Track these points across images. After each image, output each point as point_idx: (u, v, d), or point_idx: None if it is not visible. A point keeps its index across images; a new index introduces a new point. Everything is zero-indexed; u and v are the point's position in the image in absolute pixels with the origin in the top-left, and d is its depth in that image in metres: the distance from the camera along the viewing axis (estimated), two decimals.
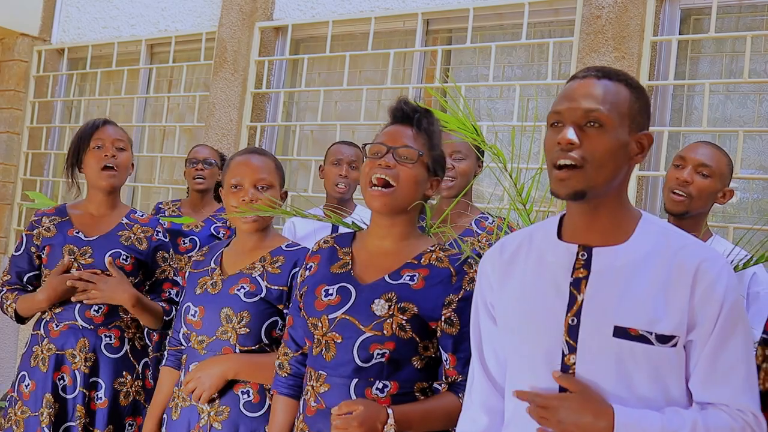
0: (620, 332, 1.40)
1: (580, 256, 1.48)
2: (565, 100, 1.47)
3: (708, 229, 2.51)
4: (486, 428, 1.62)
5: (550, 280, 1.50)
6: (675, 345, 1.39)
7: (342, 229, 3.19)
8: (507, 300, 1.57)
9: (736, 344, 1.39)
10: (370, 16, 4.24)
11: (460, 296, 1.77)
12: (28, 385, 2.54)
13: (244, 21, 4.69)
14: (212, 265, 2.23)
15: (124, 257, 2.58)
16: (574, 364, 1.44)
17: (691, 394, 1.44)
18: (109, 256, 2.56)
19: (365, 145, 1.88)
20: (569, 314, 1.46)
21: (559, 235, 1.54)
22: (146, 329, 2.72)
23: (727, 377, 1.39)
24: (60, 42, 5.81)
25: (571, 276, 1.47)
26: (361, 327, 1.76)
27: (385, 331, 1.73)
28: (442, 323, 1.76)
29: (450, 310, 1.76)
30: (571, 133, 1.42)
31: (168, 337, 2.37)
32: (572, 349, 1.44)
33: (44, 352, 2.55)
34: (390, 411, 1.62)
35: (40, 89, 5.79)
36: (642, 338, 1.39)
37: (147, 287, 2.68)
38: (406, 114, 1.86)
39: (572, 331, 1.45)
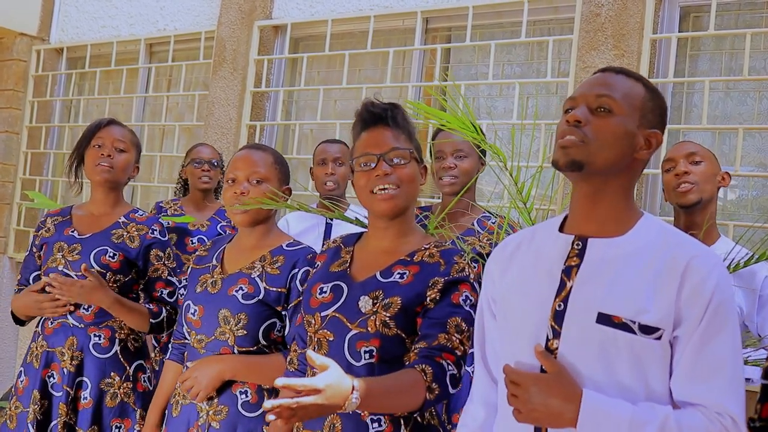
0: (603, 319, 1.41)
1: (574, 246, 1.51)
2: (581, 89, 1.53)
3: (715, 227, 2.53)
4: (483, 422, 1.66)
5: (545, 269, 1.53)
6: (659, 338, 1.39)
7: (336, 229, 3.19)
8: (504, 290, 1.60)
9: (721, 344, 1.38)
10: (369, 15, 4.24)
11: (446, 279, 1.76)
12: (23, 380, 2.56)
13: (243, 20, 4.69)
14: (214, 261, 2.23)
15: (111, 254, 2.56)
16: (557, 348, 1.45)
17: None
18: (95, 253, 2.55)
19: (351, 160, 1.87)
20: (557, 299, 1.47)
21: (562, 230, 1.57)
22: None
23: (708, 377, 1.38)
24: (59, 41, 5.80)
25: (564, 264, 1.50)
26: (348, 324, 1.77)
27: (369, 328, 1.74)
28: (428, 301, 1.75)
29: (435, 290, 1.75)
30: (580, 111, 1.47)
31: (172, 330, 2.37)
32: (556, 334, 1.46)
33: (38, 349, 2.57)
34: (355, 384, 1.48)
35: (38, 89, 5.78)
36: (625, 326, 1.39)
37: (141, 286, 2.67)
38: (378, 115, 1.86)
39: (558, 316, 1.46)
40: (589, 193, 1.50)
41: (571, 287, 1.47)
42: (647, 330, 1.39)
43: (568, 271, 1.48)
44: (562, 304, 1.46)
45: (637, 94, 1.50)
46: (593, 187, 1.49)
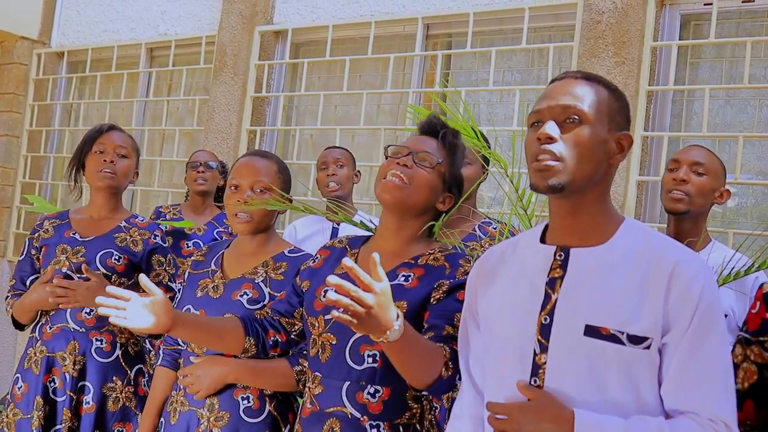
0: (591, 331, 1.38)
1: (557, 257, 1.48)
2: (545, 100, 1.48)
3: (707, 234, 2.52)
4: None
5: (528, 281, 1.50)
6: (648, 347, 1.36)
7: (342, 232, 3.19)
8: (488, 304, 1.57)
9: (710, 348, 1.36)
10: (370, 21, 4.25)
11: (451, 282, 1.76)
12: (21, 387, 2.54)
13: (244, 25, 4.69)
14: (213, 266, 2.22)
15: (116, 257, 2.56)
16: (545, 363, 1.42)
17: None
18: (101, 255, 2.55)
19: (388, 146, 1.90)
20: (542, 313, 1.44)
21: (543, 240, 1.54)
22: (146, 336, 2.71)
23: (699, 383, 1.35)
24: (59, 45, 5.81)
25: (547, 276, 1.47)
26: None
27: None
28: (432, 301, 1.75)
29: (440, 292, 1.75)
30: (550, 128, 1.43)
31: (163, 336, 2.33)
32: (543, 349, 1.43)
33: (37, 354, 2.55)
34: (400, 314, 1.50)
35: (39, 92, 5.79)
36: (613, 338, 1.36)
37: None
38: (433, 127, 1.90)
39: (544, 330, 1.43)
40: (569, 208, 1.47)
41: (556, 300, 1.44)
42: (636, 340, 1.36)
43: (552, 284, 1.46)
44: (548, 317, 1.44)
45: (602, 99, 1.46)
46: (572, 201, 1.46)
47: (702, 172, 2.42)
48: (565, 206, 1.47)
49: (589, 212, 1.47)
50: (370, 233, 2.09)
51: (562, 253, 1.47)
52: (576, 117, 1.43)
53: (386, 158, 1.89)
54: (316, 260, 1.97)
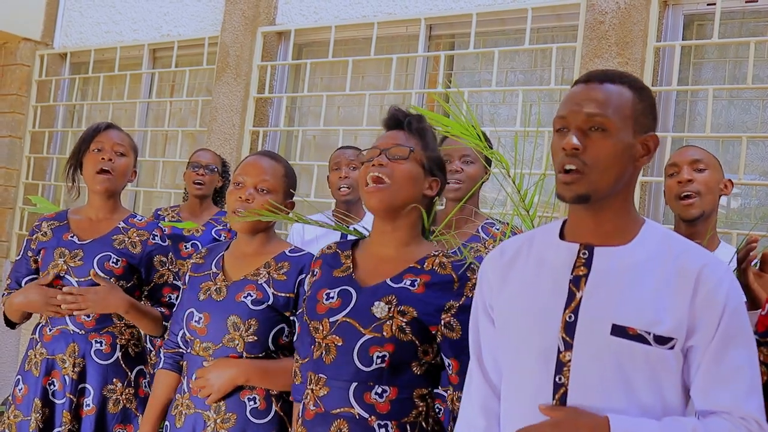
0: (618, 331, 1.39)
1: (581, 255, 1.48)
2: (569, 105, 1.48)
3: (715, 234, 2.52)
4: (484, 431, 1.62)
5: (550, 278, 1.50)
6: (673, 347, 1.38)
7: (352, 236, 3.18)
8: (506, 300, 1.57)
9: (738, 350, 1.38)
10: (373, 22, 4.24)
11: (460, 303, 1.76)
12: (21, 389, 2.53)
13: (247, 26, 4.69)
14: (213, 269, 2.21)
15: (114, 260, 2.54)
16: (570, 361, 1.43)
17: (687, 403, 1.43)
18: (99, 259, 2.53)
19: (360, 152, 1.90)
20: (567, 311, 1.45)
21: (562, 237, 1.55)
22: (148, 336, 2.70)
23: (729, 383, 1.38)
24: (62, 46, 5.81)
25: (571, 274, 1.48)
26: (361, 329, 1.76)
27: (384, 333, 1.73)
28: (442, 327, 1.75)
29: (449, 315, 1.75)
30: (574, 139, 1.44)
31: (164, 340, 2.33)
32: (568, 346, 1.44)
33: (37, 356, 2.54)
34: None
35: (42, 93, 5.79)
36: (640, 338, 1.38)
37: (146, 292, 2.65)
38: (397, 119, 1.90)
39: (569, 328, 1.44)
40: (593, 211, 1.48)
41: (581, 298, 1.45)
42: (661, 340, 1.38)
43: (577, 282, 1.46)
44: (572, 315, 1.44)
45: (626, 102, 1.46)
46: (597, 207, 1.47)
47: (703, 168, 2.44)
48: (589, 210, 1.49)
49: (614, 213, 1.48)
50: (358, 237, 2.09)
51: (586, 251, 1.48)
52: (600, 126, 1.43)
53: (362, 165, 1.89)
54: (315, 274, 1.96)
